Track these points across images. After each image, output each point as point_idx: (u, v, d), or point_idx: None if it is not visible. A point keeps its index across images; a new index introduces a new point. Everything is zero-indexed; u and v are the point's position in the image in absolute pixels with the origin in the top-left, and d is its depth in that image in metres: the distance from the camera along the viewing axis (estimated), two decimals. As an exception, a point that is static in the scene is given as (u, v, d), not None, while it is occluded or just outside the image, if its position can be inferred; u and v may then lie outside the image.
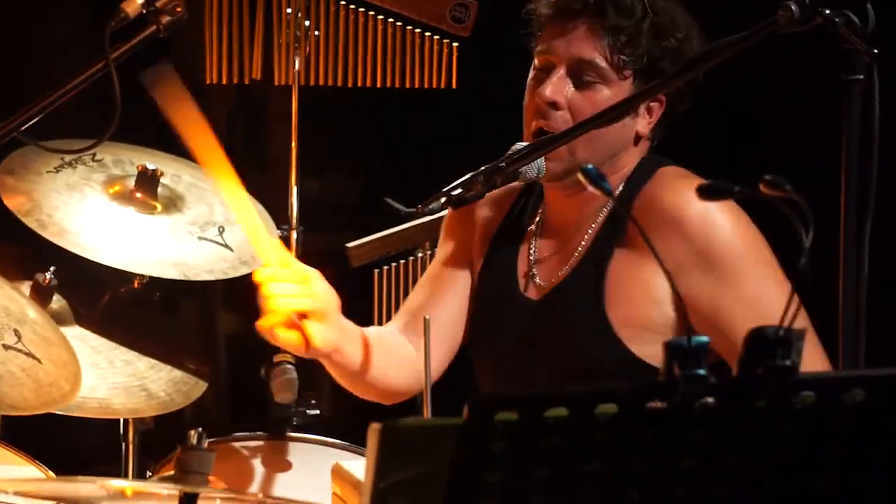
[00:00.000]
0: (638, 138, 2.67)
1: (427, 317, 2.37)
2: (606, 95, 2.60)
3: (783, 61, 3.33)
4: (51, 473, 2.89)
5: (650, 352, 2.55)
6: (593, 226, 2.70)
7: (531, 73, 2.68)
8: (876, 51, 2.11)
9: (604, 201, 2.67)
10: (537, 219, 2.80)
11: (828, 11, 2.13)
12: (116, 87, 2.23)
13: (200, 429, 1.99)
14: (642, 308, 2.59)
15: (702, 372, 1.62)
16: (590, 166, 1.88)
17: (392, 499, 1.62)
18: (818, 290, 2.06)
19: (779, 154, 3.59)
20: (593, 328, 2.63)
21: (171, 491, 2.01)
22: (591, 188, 1.88)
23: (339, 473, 2.44)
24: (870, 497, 1.70)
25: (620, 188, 2.66)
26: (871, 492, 1.71)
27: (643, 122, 2.66)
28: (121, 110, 2.24)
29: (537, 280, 2.74)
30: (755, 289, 2.51)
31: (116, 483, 2.19)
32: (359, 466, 2.48)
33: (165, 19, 2.29)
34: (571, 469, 1.64)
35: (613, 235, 2.65)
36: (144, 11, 2.30)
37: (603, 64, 2.60)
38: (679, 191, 2.59)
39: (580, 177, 1.89)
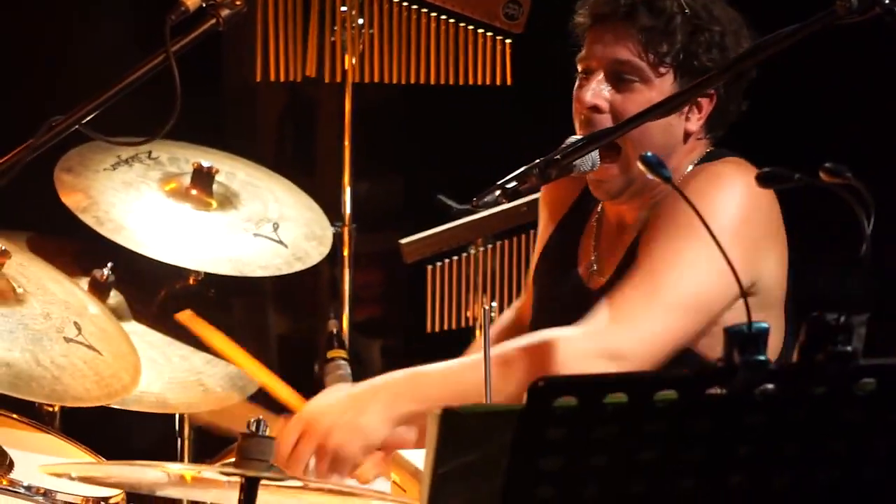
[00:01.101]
0: (687, 136, 2.69)
1: (486, 307, 2.40)
2: (646, 94, 2.65)
3: (842, 51, 3.32)
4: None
5: (708, 343, 2.56)
6: (645, 215, 2.72)
7: (576, 82, 2.72)
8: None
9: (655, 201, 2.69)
10: (598, 212, 2.82)
11: (887, 1, 2.12)
12: (177, 79, 2.25)
13: (260, 416, 2.01)
14: None
15: (762, 358, 1.62)
16: (649, 154, 1.89)
17: (451, 484, 1.63)
18: (880, 277, 2.07)
19: (838, 143, 3.57)
20: None
21: (232, 478, 2.03)
22: (650, 175, 1.89)
23: (397, 461, 2.46)
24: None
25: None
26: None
27: (693, 119, 2.68)
28: (180, 103, 2.26)
29: (596, 275, 2.77)
30: (689, 251, 2.52)
31: (178, 468, 2.22)
32: (417, 455, 2.50)
33: (225, 12, 2.31)
34: (629, 456, 1.64)
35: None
36: (204, 5, 2.31)
37: (639, 63, 2.64)
38: (710, 169, 2.62)
39: (639, 164, 1.90)
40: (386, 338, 4.59)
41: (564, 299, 2.78)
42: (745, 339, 1.62)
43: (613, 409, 1.61)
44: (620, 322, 2.46)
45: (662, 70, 2.64)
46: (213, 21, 2.33)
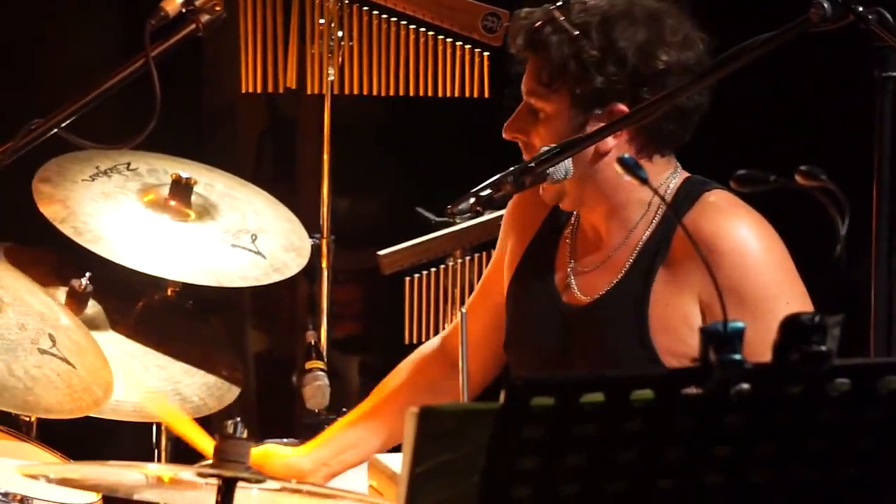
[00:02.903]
0: (604, 154, 2.70)
1: (463, 310, 2.41)
2: (545, 111, 2.69)
3: (817, 58, 3.34)
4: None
5: None
6: (637, 237, 2.72)
7: None
8: (909, 47, 2.12)
9: (641, 211, 2.70)
10: (572, 221, 2.83)
11: (860, 8, 2.14)
12: (156, 82, 2.26)
13: (238, 418, 2.01)
14: (684, 338, 2.63)
15: (738, 357, 1.63)
16: (626, 156, 1.90)
17: (429, 483, 1.63)
18: (852, 282, 2.08)
19: (812, 151, 3.59)
20: (637, 351, 2.66)
21: (209, 480, 2.03)
22: (627, 177, 1.90)
23: (375, 466, 2.47)
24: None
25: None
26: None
27: (609, 139, 2.68)
28: (160, 106, 2.27)
29: (575, 290, 2.76)
30: None
31: (155, 468, 2.22)
32: (395, 459, 2.51)
33: (204, 18, 2.32)
34: (606, 456, 1.65)
35: (657, 255, 2.69)
36: (184, 10, 2.32)
37: (540, 90, 2.70)
38: (716, 221, 2.63)
39: (616, 166, 1.91)
40: (365, 354, 4.59)
41: (540, 316, 2.78)
42: (720, 338, 1.63)
43: (590, 409, 1.62)
44: None
45: (555, 90, 2.68)
46: (193, 26, 2.34)
